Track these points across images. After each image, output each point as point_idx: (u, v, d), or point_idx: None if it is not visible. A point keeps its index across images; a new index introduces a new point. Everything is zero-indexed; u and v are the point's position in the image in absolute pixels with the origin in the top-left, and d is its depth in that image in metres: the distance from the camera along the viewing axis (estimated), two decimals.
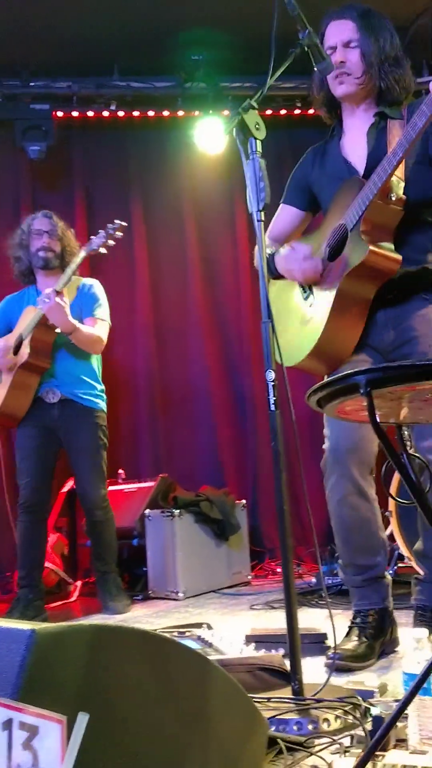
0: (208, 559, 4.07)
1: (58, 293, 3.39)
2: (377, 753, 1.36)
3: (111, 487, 4.05)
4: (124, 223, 3.55)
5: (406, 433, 2.17)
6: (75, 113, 4.99)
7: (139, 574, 4.15)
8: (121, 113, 5.03)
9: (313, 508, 2.00)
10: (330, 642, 2.37)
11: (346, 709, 1.66)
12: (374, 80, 2.30)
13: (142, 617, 3.43)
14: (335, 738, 1.56)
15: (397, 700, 1.68)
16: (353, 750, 1.49)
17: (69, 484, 4.32)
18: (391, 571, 3.27)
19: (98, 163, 5.23)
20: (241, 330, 5.18)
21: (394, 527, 3.34)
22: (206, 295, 5.22)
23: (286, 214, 2.55)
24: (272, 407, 1.85)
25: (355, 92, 2.32)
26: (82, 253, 3.52)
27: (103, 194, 5.21)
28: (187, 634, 2.15)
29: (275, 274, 2.39)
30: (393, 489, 3.31)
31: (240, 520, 4.27)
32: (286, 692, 1.77)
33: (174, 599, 3.86)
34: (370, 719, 1.58)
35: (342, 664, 2.14)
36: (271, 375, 1.86)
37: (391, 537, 3.30)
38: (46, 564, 3.76)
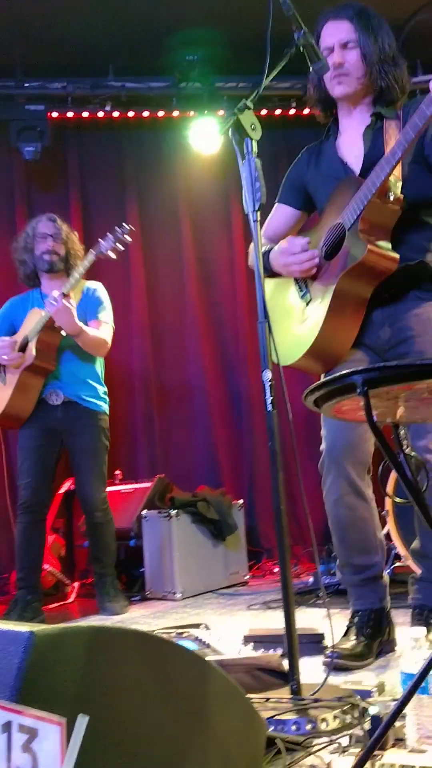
0: (206, 560, 4.07)
1: (66, 296, 3.41)
2: (376, 752, 1.36)
3: (108, 488, 4.05)
4: (132, 227, 3.56)
5: (402, 432, 2.17)
6: (70, 114, 4.99)
7: (137, 574, 4.15)
8: (116, 114, 5.03)
9: (310, 508, 2.00)
10: (327, 642, 2.37)
11: (344, 708, 1.66)
12: (374, 80, 2.29)
13: (140, 618, 3.43)
14: (333, 738, 1.56)
15: (395, 700, 1.68)
16: (352, 749, 1.49)
17: (66, 485, 4.32)
18: (388, 571, 3.28)
19: (93, 164, 5.23)
20: (237, 330, 5.19)
21: (390, 527, 3.35)
22: (202, 295, 5.22)
23: (281, 214, 2.55)
24: (269, 407, 1.85)
25: (354, 92, 2.32)
26: (91, 257, 3.53)
27: (99, 195, 5.21)
28: (185, 634, 2.15)
29: (270, 272, 2.38)
30: (390, 488, 3.32)
31: (237, 520, 4.27)
32: (285, 692, 1.77)
33: (171, 600, 3.86)
34: (368, 719, 1.58)
35: (340, 663, 2.14)
36: (267, 375, 1.85)
37: (388, 536, 3.30)
38: (44, 565, 3.76)
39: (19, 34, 4.45)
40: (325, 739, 1.55)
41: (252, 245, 2.52)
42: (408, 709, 1.43)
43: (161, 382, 5.12)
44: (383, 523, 3.11)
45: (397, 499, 3.07)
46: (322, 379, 1.22)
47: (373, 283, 2.20)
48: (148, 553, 4.05)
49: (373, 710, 1.60)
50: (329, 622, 1.89)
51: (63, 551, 4.38)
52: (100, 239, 3.57)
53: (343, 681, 1.94)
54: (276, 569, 4.53)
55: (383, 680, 1.94)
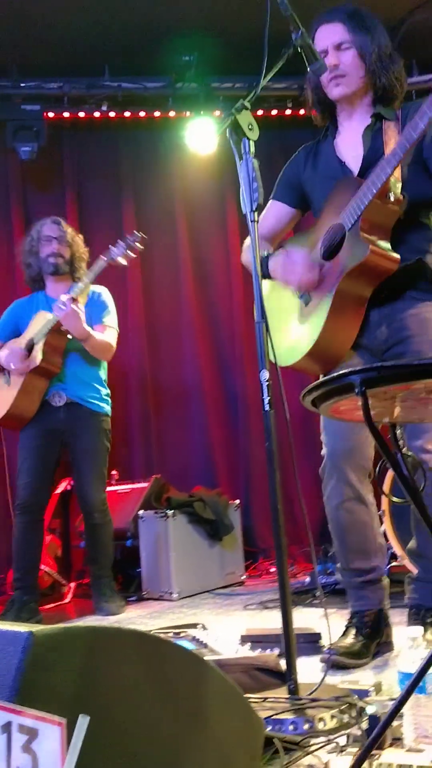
0: (202, 560, 4.07)
1: (75, 300, 3.44)
2: (373, 752, 1.36)
3: None
4: (143, 235, 3.57)
5: (398, 432, 2.17)
6: (66, 114, 4.97)
7: (133, 575, 4.15)
8: (112, 114, 5.02)
9: (306, 508, 2.00)
10: (324, 641, 2.37)
11: (341, 708, 1.66)
12: (375, 78, 2.29)
13: (136, 618, 3.43)
14: (331, 737, 1.56)
15: (392, 699, 1.68)
16: (349, 749, 1.49)
17: (62, 486, 4.31)
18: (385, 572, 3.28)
19: (89, 164, 5.22)
20: (234, 330, 5.19)
21: (387, 526, 3.35)
22: (198, 295, 5.22)
23: (275, 211, 2.52)
24: (266, 407, 1.85)
25: (353, 93, 2.31)
26: (101, 263, 3.53)
27: (95, 195, 5.21)
28: (182, 634, 2.15)
29: (268, 276, 2.38)
30: (386, 488, 3.32)
31: (233, 521, 4.27)
32: (282, 692, 1.78)
33: (168, 600, 3.86)
34: (365, 718, 1.58)
35: (337, 660, 2.14)
36: (265, 375, 1.85)
37: (384, 536, 3.31)
38: (40, 566, 3.75)
39: (15, 34, 4.44)
40: (322, 738, 1.56)
41: (246, 242, 2.53)
42: (405, 709, 1.43)
43: (157, 382, 5.12)
44: (380, 523, 3.12)
45: (396, 499, 3.08)
46: (321, 379, 1.22)
47: (373, 284, 2.20)
48: (145, 554, 4.05)
49: (370, 710, 1.61)
50: (326, 622, 1.89)
51: (59, 552, 4.38)
52: (111, 246, 3.57)
53: (340, 680, 1.95)
54: (272, 569, 4.54)
55: (380, 680, 1.94)
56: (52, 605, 3.98)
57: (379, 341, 2.27)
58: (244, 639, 2.36)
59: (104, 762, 0.87)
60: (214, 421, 5.11)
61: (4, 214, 5.00)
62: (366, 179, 2.15)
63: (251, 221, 1.91)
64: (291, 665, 1.76)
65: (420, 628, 1.57)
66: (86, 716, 0.72)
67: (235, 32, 4.39)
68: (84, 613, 3.73)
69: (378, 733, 1.25)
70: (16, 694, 0.87)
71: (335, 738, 1.55)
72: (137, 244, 3.53)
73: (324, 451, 2.36)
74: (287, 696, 1.75)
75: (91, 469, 3.60)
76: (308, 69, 2.19)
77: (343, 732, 1.59)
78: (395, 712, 1.20)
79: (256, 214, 1.91)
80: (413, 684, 1.21)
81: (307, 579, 3.88)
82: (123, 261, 3.56)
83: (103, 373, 3.75)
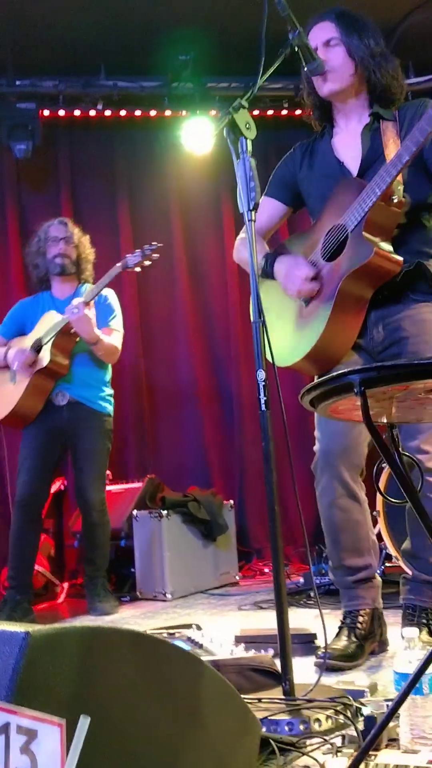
0: (196, 560, 4.07)
1: (87, 304, 3.47)
2: (369, 753, 1.36)
3: None
4: (160, 245, 3.59)
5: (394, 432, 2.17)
6: (61, 112, 4.97)
7: (127, 575, 4.14)
8: (108, 113, 5.01)
9: (301, 508, 2.00)
10: (319, 642, 2.37)
11: (337, 709, 1.66)
12: (367, 76, 2.29)
13: (130, 618, 3.42)
14: (327, 738, 1.56)
15: (388, 700, 1.68)
16: (345, 750, 1.49)
17: (56, 486, 4.30)
18: (378, 571, 3.28)
19: (84, 163, 5.21)
20: (229, 330, 5.18)
21: (381, 527, 3.36)
22: (193, 294, 5.21)
23: (269, 208, 2.50)
24: (263, 407, 1.85)
25: (341, 89, 2.30)
26: (117, 269, 3.56)
27: (90, 194, 5.19)
28: (177, 635, 2.14)
29: (269, 277, 2.37)
30: (381, 488, 3.32)
31: (227, 521, 4.27)
32: (277, 693, 1.77)
33: (162, 600, 3.85)
34: (361, 719, 1.58)
35: (332, 664, 2.14)
36: (261, 375, 1.85)
37: (379, 536, 3.31)
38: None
39: (11, 32, 4.43)
40: (318, 739, 1.55)
41: (239, 239, 2.52)
42: (401, 710, 1.43)
43: (152, 381, 5.11)
44: (374, 524, 3.12)
45: (393, 500, 3.08)
46: (320, 378, 1.22)
47: (375, 285, 2.19)
48: (139, 553, 4.05)
49: (366, 710, 1.60)
50: (322, 623, 1.88)
51: (52, 551, 4.36)
52: (127, 254, 3.60)
53: (335, 681, 1.95)
54: (266, 569, 4.54)
55: (375, 680, 1.94)
56: (45, 605, 3.96)
57: (375, 342, 2.27)
58: (239, 639, 2.35)
59: (103, 762, 0.86)
60: (209, 421, 5.10)
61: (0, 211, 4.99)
62: (370, 181, 2.14)
63: (248, 220, 1.91)
64: (286, 666, 1.76)
65: (415, 629, 1.57)
66: (87, 717, 0.71)
67: (232, 32, 4.39)
68: (77, 613, 3.72)
69: (376, 734, 1.24)
70: (13, 694, 0.86)
71: (331, 739, 1.55)
72: (154, 255, 3.56)
73: (316, 447, 2.36)
74: (282, 697, 1.74)
75: (91, 469, 3.61)
76: (305, 68, 2.20)
77: (338, 733, 1.58)
78: (393, 712, 1.20)
79: (253, 213, 1.91)
80: (410, 685, 1.21)
81: (301, 580, 3.88)
82: (137, 269, 3.58)
83: (108, 375, 3.78)
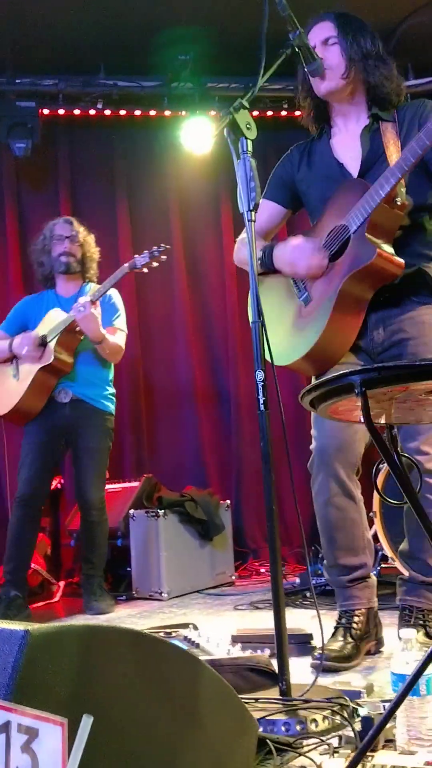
0: (192, 560, 4.07)
1: (93, 303, 3.49)
2: (366, 754, 1.36)
3: None
4: (168, 246, 3.61)
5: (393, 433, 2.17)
6: (61, 111, 4.96)
7: (123, 574, 4.14)
8: (107, 112, 5.01)
9: (298, 508, 2.00)
10: (316, 642, 2.37)
11: (333, 709, 1.66)
12: (360, 76, 2.30)
13: (126, 618, 3.42)
14: (323, 738, 1.56)
15: (384, 701, 1.68)
16: (342, 750, 1.49)
17: (53, 484, 4.29)
18: (374, 572, 3.28)
19: (84, 162, 5.21)
20: (227, 330, 5.18)
21: (378, 528, 3.36)
22: (191, 294, 5.21)
23: (268, 210, 2.50)
24: (262, 407, 1.85)
25: (337, 88, 2.31)
26: (124, 270, 3.58)
27: (89, 193, 5.19)
28: (174, 634, 2.14)
29: (267, 269, 2.36)
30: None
31: (224, 521, 4.27)
32: (274, 693, 1.77)
33: (158, 599, 3.85)
34: (358, 719, 1.58)
35: (328, 665, 2.14)
36: (260, 375, 1.85)
37: (375, 537, 3.31)
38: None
39: (12, 31, 4.42)
40: (315, 739, 1.55)
41: (239, 240, 2.52)
42: (398, 711, 1.43)
43: (150, 381, 5.11)
44: (370, 524, 3.12)
45: (392, 501, 3.08)
46: (321, 379, 1.22)
47: (376, 286, 2.20)
48: (135, 553, 4.04)
49: (362, 711, 1.60)
50: (319, 624, 1.88)
51: (49, 550, 4.36)
52: (136, 255, 3.62)
53: (332, 682, 1.95)
54: (262, 570, 4.54)
55: (372, 681, 1.94)
56: (41, 604, 3.96)
57: (375, 343, 2.27)
58: (235, 639, 2.35)
59: (102, 761, 0.86)
60: (206, 421, 5.10)
61: None
62: (374, 182, 2.14)
63: (248, 220, 1.90)
64: (283, 666, 1.76)
65: (413, 630, 1.58)
66: (90, 716, 0.71)
67: (232, 32, 4.39)
68: (73, 612, 3.71)
69: (374, 735, 1.25)
70: (12, 693, 0.86)
71: (328, 739, 1.55)
72: (162, 257, 3.57)
73: (313, 446, 2.36)
74: (279, 697, 1.74)
75: (92, 467, 3.62)
76: (305, 69, 2.21)
77: (335, 733, 1.58)
78: (391, 713, 1.20)
79: (253, 213, 1.91)
80: (408, 686, 1.21)
81: (297, 580, 3.88)
82: (144, 270, 3.60)
83: (111, 374, 3.80)
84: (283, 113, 5.11)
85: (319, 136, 2.45)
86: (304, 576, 3.81)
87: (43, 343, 3.59)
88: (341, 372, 1.14)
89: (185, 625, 2.33)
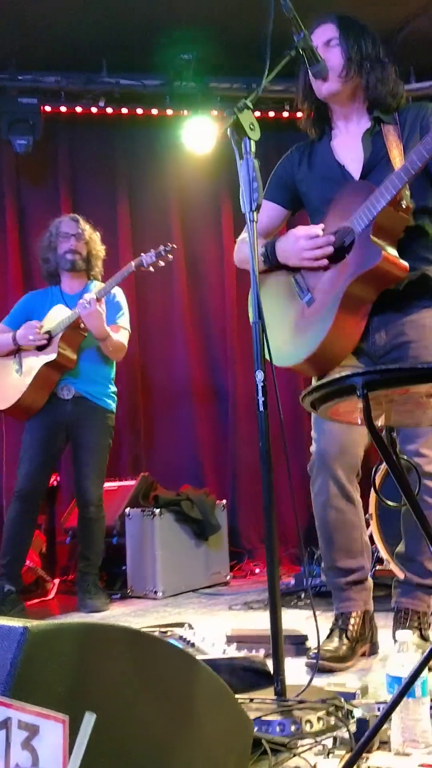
0: (188, 559, 4.07)
1: (98, 300, 3.50)
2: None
3: None
4: (175, 246, 3.63)
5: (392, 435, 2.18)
6: (63, 108, 4.95)
7: (118, 572, 4.14)
8: (109, 110, 5.00)
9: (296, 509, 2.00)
10: (311, 643, 2.37)
11: (328, 710, 1.66)
12: (357, 78, 2.30)
13: (121, 616, 3.42)
14: (318, 739, 1.56)
15: (379, 702, 1.69)
16: (336, 752, 1.49)
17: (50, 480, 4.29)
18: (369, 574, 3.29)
19: (85, 160, 5.20)
20: (225, 329, 5.18)
21: (374, 530, 3.36)
22: (190, 294, 5.21)
23: (268, 211, 2.48)
24: (261, 408, 1.85)
25: (338, 91, 2.31)
26: (130, 268, 3.59)
27: (89, 191, 5.18)
28: (169, 633, 2.14)
29: (272, 263, 2.36)
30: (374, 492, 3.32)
31: (220, 521, 4.27)
32: (269, 693, 1.77)
33: (153, 598, 3.85)
34: (353, 721, 1.58)
35: (323, 665, 2.14)
36: (260, 375, 1.85)
37: (371, 539, 3.31)
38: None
39: (14, 28, 4.41)
40: (309, 740, 1.55)
41: (239, 240, 2.52)
42: (393, 712, 1.43)
43: (147, 380, 5.11)
44: (366, 526, 3.12)
45: (390, 504, 3.09)
46: (322, 380, 1.22)
47: (380, 289, 2.19)
48: (130, 551, 4.04)
49: (357, 713, 1.61)
50: (315, 624, 1.89)
51: (44, 547, 4.36)
52: (142, 253, 3.63)
53: (326, 683, 1.95)
54: (257, 570, 4.55)
55: (367, 682, 1.94)
56: (36, 601, 3.96)
57: (377, 346, 2.27)
58: (230, 639, 2.35)
59: (98, 759, 0.86)
60: (203, 421, 5.10)
61: None
62: (378, 185, 2.13)
63: (250, 221, 1.90)
64: (278, 666, 1.76)
65: (408, 632, 1.58)
66: (92, 714, 0.71)
67: (234, 32, 4.39)
68: (67, 609, 3.71)
69: (369, 736, 1.25)
70: (11, 689, 0.86)
71: (322, 740, 1.55)
72: (169, 256, 3.58)
73: (313, 448, 2.36)
74: (274, 697, 1.74)
75: (92, 465, 3.63)
76: (307, 70, 2.21)
77: (330, 734, 1.59)
78: (387, 715, 1.21)
79: (255, 213, 1.91)
80: (404, 689, 1.21)
81: (292, 581, 3.88)
82: (151, 269, 3.61)
83: (113, 372, 3.81)
84: (285, 114, 5.10)
85: (319, 137, 2.45)
86: (298, 577, 3.81)
87: (48, 339, 3.61)
88: (343, 374, 1.14)
89: (180, 624, 2.33)
